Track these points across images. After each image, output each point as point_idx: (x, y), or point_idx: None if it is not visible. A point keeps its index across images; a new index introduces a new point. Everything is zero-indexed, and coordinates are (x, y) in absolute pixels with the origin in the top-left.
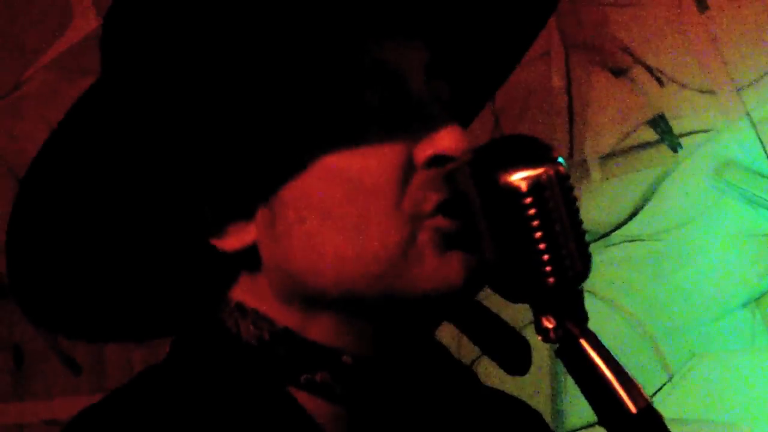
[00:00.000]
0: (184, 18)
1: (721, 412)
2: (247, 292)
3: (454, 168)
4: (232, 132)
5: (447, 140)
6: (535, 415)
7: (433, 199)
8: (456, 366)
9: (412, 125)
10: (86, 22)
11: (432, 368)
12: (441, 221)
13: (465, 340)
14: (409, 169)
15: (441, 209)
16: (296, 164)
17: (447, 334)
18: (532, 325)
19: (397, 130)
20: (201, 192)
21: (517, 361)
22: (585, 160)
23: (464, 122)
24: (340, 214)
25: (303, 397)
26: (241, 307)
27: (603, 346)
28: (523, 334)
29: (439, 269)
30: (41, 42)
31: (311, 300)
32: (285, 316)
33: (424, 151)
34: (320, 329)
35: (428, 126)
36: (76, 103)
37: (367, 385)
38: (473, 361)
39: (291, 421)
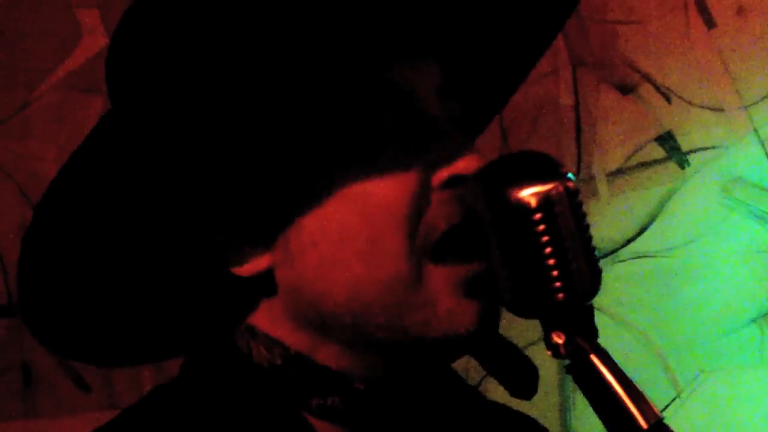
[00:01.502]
0: (197, 43)
1: (730, 428)
2: (260, 315)
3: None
4: (246, 158)
5: (462, 161)
6: (544, 431)
7: (447, 222)
8: (463, 387)
9: (426, 146)
10: (95, 41)
11: (441, 391)
12: (455, 270)
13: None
14: (424, 192)
15: (453, 244)
16: (312, 188)
17: None
18: (542, 342)
19: (411, 152)
20: (216, 218)
21: (524, 385)
22: (593, 177)
23: (471, 138)
24: (354, 239)
25: (315, 422)
26: (252, 330)
27: (613, 362)
28: (533, 351)
29: (452, 315)
30: (50, 61)
31: (324, 324)
32: (298, 340)
33: (440, 173)
34: (332, 354)
35: (443, 147)
36: (90, 133)
37: (378, 410)
38: (483, 378)
39: None
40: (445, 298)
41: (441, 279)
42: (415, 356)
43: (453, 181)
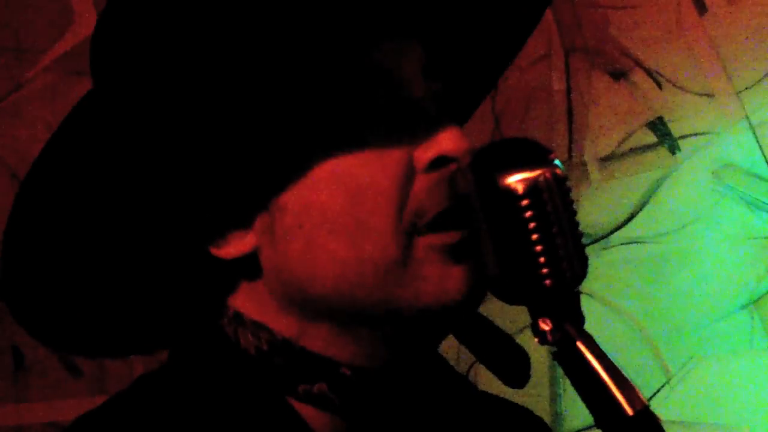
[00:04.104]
0: (178, 23)
1: (720, 414)
2: (246, 300)
3: (456, 175)
4: (229, 139)
5: (447, 142)
6: (538, 422)
7: (435, 206)
8: (454, 376)
9: (411, 128)
10: (87, 24)
11: (430, 379)
12: (439, 237)
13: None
14: (410, 173)
15: (442, 219)
16: (296, 170)
17: (446, 340)
18: (530, 329)
19: (397, 133)
20: (199, 199)
21: (516, 373)
22: (584, 163)
23: (461, 121)
24: (340, 221)
25: (302, 408)
26: (239, 317)
27: (600, 349)
28: (521, 337)
29: (439, 283)
30: (42, 43)
31: (309, 308)
32: (283, 325)
33: (425, 153)
34: (319, 339)
35: (428, 128)
36: (71, 112)
37: (365, 396)
38: (471, 365)
39: (289, 430)
40: (431, 270)
41: (425, 251)
42: (406, 332)
43: (438, 162)
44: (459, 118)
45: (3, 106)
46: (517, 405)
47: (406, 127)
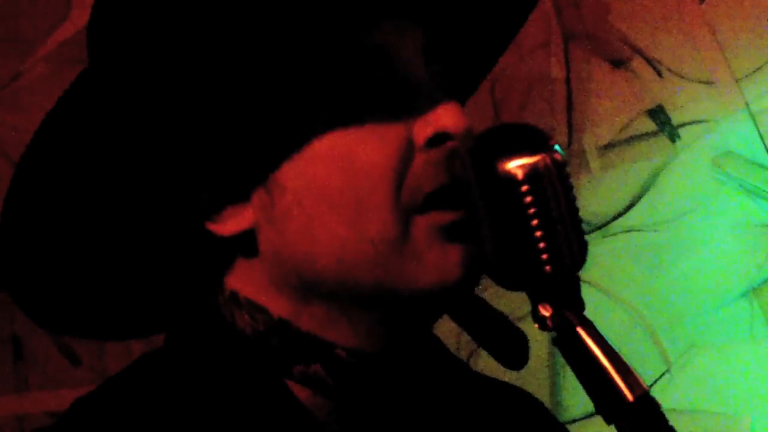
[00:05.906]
0: (175, 3)
1: (720, 402)
2: (242, 279)
3: (455, 154)
4: (228, 114)
5: (446, 118)
6: (537, 404)
7: (432, 182)
8: (451, 359)
9: (410, 107)
10: (85, 13)
11: (427, 362)
12: (438, 216)
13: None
14: (408, 151)
15: (438, 199)
16: (295, 147)
17: (447, 325)
18: (530, 316)
19: (395, 112)
20: (198, 176)
21: (514, 355)
22: (584, 151)
23: (460, 102)
24: (339, 198)
25: (298, 390)
26: (235, 296)
27: (600, 334)
28: (521, 324)
29: (437, 263)
30: (40, 33)
31: (306, 287)
32: (280, 305)
33: (424, 130)
34: (314, 320)
35: (427, 106)
36: (65, 92)
37: (360, 378)
38: (472, 352)
39: (286, 411)
40: (429, 249)
41: (424, 230)
42: (402, 313)
43: (438, 139)
44: (458, 98)
45: (1, 96)
46: (515, 387)
47: (405, 105)
